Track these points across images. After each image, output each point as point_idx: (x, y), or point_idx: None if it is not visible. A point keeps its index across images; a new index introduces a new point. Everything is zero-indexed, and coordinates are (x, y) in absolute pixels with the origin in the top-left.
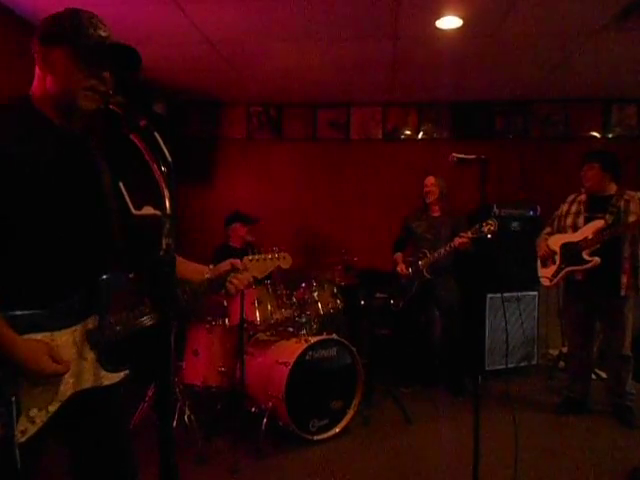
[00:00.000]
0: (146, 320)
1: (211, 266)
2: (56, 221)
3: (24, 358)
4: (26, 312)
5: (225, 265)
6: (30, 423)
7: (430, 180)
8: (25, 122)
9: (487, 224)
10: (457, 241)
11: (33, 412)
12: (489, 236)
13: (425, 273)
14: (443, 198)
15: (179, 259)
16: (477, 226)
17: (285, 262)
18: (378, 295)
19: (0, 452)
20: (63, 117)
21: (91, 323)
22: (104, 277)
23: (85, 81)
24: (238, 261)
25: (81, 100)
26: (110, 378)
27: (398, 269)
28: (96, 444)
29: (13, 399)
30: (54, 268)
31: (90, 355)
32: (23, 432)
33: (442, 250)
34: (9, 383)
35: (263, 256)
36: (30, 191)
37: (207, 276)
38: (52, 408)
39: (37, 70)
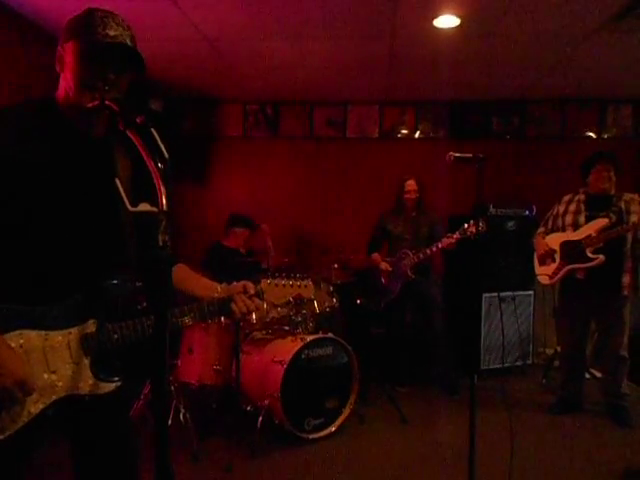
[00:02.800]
0: (147, 330)
1: (224, 284)
2: (62, 221)
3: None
4: (23, 307)
5: (238, 286)
6: (10, 422)
7: (412, 185)
8: (43, 122)
9: (475, 224)
10: (445, 242)
11: (13, 411)
12: (478, 236)
13: (409, 273)
14: (420, 198)
15: (190, 272)
16: (465, 226)
17: (307, 291)
18: (359, 301)
19: None
20: (80, 118)
21: (89, 328)
22: (108, 282)
23: (87, 79)
24: (251, 285)
25: (83, 98)
26: (102, 387)
27: (382, 267)
28: (94, 449)
29: None
30: (57, 267)
31: (83, 360)
32: (1, 430)
33: (428, 250)
34: None
35: (283, 282)
36: (39, 190)
37: (217, 295)
38: (34, 409)
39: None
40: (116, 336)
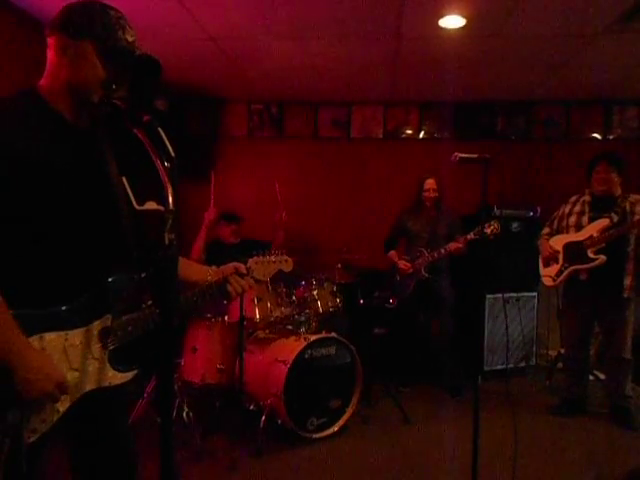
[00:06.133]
0: (156, 319)
1: (214, 267)
2: (67, 219)
3: (32, 368)
4: (40, 311)
5: (229, 268)
6: (40, 423)
7: (432, 184)
8: (33, 117)
9: (490, 225)
10: (452, 246)
11: (44, 412)
12: (492, 237)
13: (423, 272)
14: (439, 198)
15: (181, 259)
16: (479, 227)
17: (287, 265)
18: (376, 294)
19: (8, 455)
20: (73, 111)
21: (104, 323)
22: (116, 276)
23: (104, 80)
24: (242, 265)
25: (95, 97)
26: (120, 378)
27: (401, 265)
28: (96, 441)
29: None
30: (67, 267)
31: (102, 355)
32: (33, 432)
33: (442, 250)
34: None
35: (267, 258)
36: (41, 190)
37: (210, 278)
38: (62, 408)
39: (52, 59)
40: (130, 328)
